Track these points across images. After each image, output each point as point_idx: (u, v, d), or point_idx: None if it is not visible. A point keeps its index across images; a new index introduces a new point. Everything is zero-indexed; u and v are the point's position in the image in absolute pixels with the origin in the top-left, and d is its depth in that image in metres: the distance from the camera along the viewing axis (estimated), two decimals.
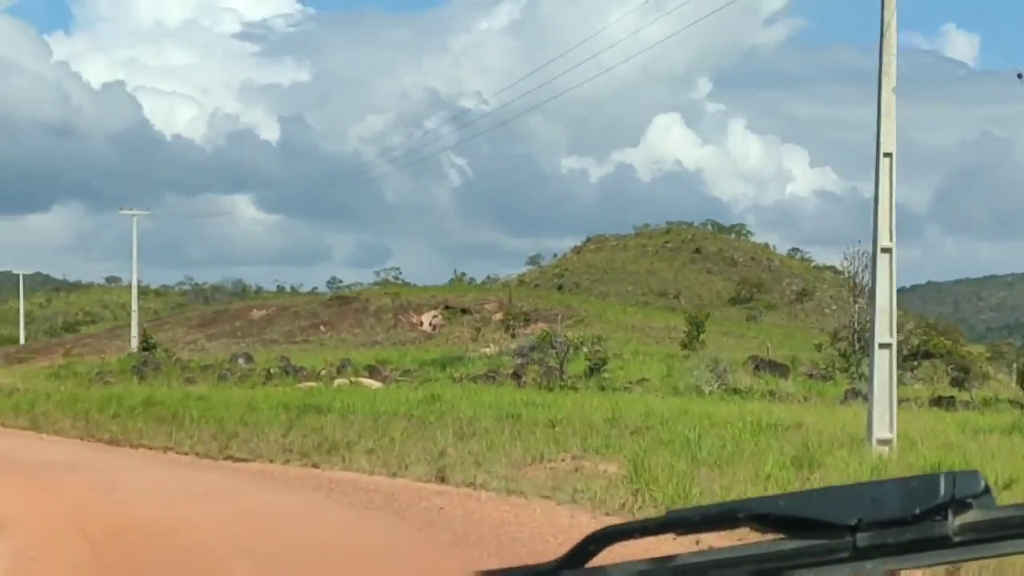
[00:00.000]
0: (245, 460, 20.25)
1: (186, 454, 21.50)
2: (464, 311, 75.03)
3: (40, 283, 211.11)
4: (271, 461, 19.90)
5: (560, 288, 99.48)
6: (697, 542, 4.17)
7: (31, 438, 25.11)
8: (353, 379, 38.63)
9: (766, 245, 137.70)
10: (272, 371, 40.17)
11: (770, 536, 1.27)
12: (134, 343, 55.76)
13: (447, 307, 76.79)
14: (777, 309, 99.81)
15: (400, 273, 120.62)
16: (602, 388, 36.24)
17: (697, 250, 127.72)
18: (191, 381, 38.93)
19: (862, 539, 1.20)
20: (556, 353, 39.74)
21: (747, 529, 1.30)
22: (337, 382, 38.32)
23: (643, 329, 68.75)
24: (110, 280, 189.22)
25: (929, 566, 1.23)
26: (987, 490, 1.20)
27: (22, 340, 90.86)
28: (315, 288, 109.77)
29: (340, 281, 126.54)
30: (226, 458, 20.56)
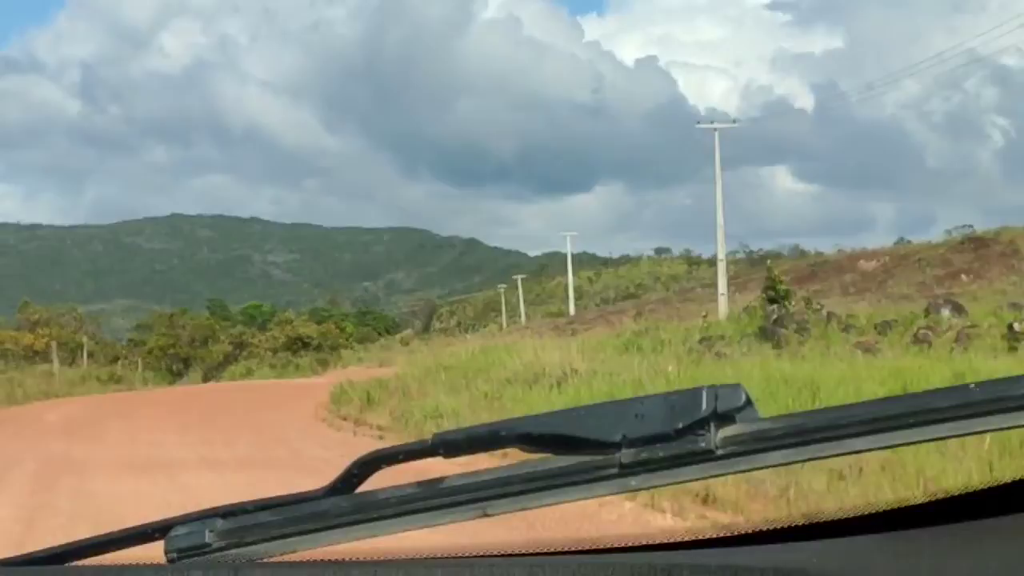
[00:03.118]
0: None
1: None
2: None
3: (585, 261, 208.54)
4: None
5: None
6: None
7: None
8: None
9: None
10: (1018, 328, 21.61)
11: (538, 456, 1.26)
12: (722, 303, 38.64)
13: None
14: None
15: (974, 231, 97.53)
16: None
17: None
18: (867, 349, 21.24)
19: (626, 455, 1.20)
20: None
21: (518, 451, 1.29)
22: None
23: None
24: (659, 251, 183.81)
25: (693, 480, 1.25)
26: (749, 403, 1.20)
27: (571, 311, 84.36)
28: None
29: (909, 241, 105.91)
30: None
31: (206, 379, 53.22)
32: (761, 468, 1.19)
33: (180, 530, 1.33)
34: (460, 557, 1.31)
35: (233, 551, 1.30)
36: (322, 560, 1.28)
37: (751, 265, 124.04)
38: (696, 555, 1.30)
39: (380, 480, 1.33)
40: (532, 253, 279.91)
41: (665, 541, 1.39)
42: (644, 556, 1.33)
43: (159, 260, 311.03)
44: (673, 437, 1.17)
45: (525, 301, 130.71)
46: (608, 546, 1.37)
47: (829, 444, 1.17)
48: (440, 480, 1.27)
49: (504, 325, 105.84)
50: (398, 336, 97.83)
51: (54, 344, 50.78)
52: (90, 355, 55.74)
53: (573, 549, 1.37)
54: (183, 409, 23.91)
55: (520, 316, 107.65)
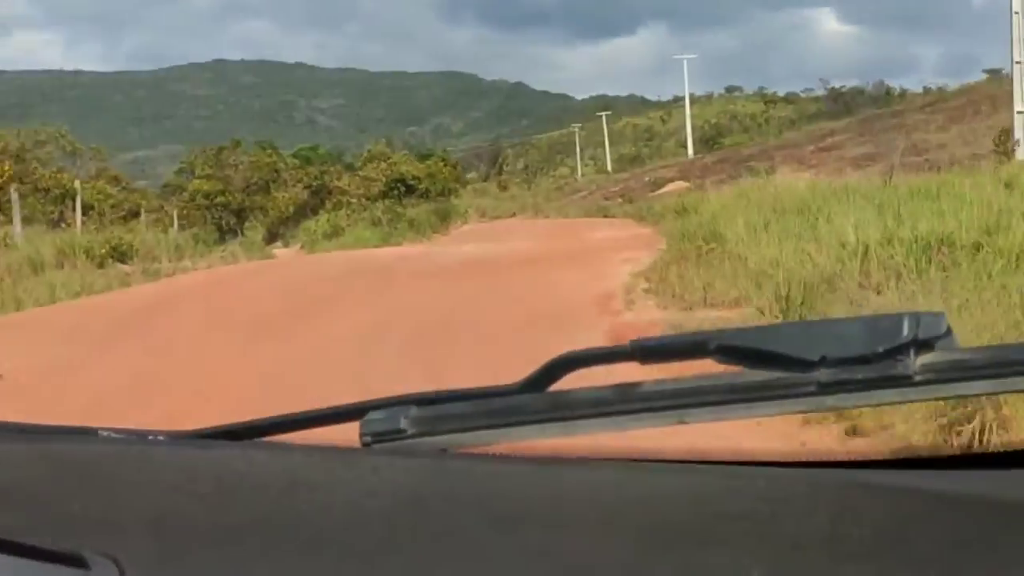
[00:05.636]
0: None
1: None
2: None
3: (636, 104, 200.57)
4: None
5: None
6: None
7: None
8: None
9: None
10: None
11: (734, 369, 1.27)
12: (1019, 124, 29.88)
13: None
14: None
15: None
16: None
17: None
18: None
19: (824, 374, 1.21)
20: None
21: (712, 362, 1.30)
22: None
23: None
24: (730, 89, 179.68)
25: (889, 404, 1.26)
26: (949, 332, 1.22)
27: (690, 153, 79.74)
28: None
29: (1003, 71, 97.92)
30: None
31: (270, 241, 39.84)
32: (959, 397, 1.22)
33: (376, 414, 1.33)
34: (657, 461, 1.31)
35: (427, 439, 1.32)
36: (514, 455, 1.30)
37: (833, 103, 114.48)
38: (894, 476, 1.25)
39: (572, 382, 1.31)
40: (579, 96, 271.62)
41: (861, 459, 1.39)
42: (838, 473, 1.32)
43: (204, 106, 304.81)
44: (872, 360, 1.18)
45: (592, 144, 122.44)
46: (799, 459, 1.38)
47: None
48: (637, 385, 1.27)
49: (580, 171, 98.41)
50: (470, 181, 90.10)
51: (13, 190, 28.64)
52: (90, 209, 35.91)
53: (764, 460, 1.37)
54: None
55: (604, 159, 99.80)
